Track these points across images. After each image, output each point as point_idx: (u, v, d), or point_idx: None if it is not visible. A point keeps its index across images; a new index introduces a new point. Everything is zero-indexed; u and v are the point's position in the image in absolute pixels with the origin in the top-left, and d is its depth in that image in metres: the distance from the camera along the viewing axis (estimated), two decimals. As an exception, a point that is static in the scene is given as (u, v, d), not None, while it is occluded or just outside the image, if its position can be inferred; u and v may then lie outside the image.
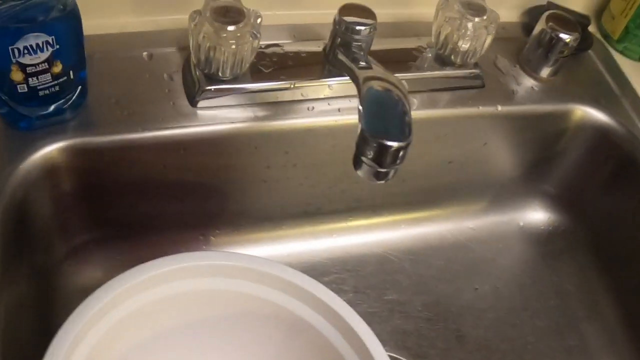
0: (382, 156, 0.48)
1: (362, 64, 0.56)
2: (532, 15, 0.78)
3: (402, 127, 0.48)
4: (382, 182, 0.50)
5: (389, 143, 0.47)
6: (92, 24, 0.59)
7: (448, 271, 0.77)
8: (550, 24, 0.71)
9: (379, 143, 0.47)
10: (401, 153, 0.48)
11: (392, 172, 0.49)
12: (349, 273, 0.75)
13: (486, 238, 0.81)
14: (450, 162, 0.75)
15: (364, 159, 0.48)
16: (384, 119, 0.49)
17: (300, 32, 0.69)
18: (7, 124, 0.58)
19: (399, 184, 0.74)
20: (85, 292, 0.49)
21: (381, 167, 0.48)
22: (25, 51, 0.52)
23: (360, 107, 0.49)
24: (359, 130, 0.48)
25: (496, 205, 0.82)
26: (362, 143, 0.48)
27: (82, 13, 0.54)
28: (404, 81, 0.54)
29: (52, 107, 0.58)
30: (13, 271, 0.57)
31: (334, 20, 0.61)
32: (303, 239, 0.75)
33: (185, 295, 0.54)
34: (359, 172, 0.50)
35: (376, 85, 0.50)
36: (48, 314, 0.63)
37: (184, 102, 0.62)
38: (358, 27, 0.60)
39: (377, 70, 0.53)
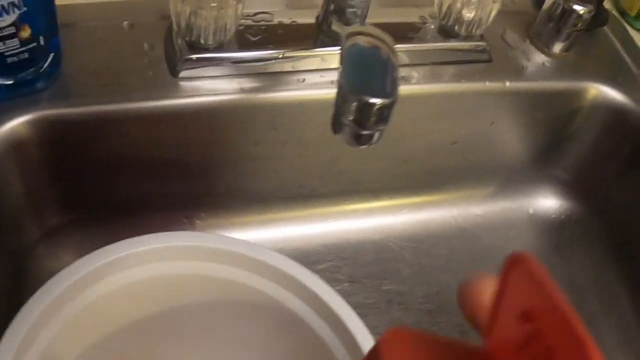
0: (365, 115, 0.44)
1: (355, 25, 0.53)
2: (543, -12, 0.74)
3: (386, 84, 0.44)
4: (365, 146, 0.46)
5: (372, 100, 0.43)
6: (73, -7, 0.56)
7: (452, 261, 0.74)
8: (563, -6, 0.67)
9: (361, 100, 0.43)
10: (385, 112, 0.44)
11: (376, 135, 0.45)
12: (345, 261, 0.71)
13: (494, 226, 0.77)
14: (455, 143, 0.71)
15: (344, 120, 0.45)
16: (367, 75, 0.45)
17: (293, 0, 0.66)
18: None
19: (400, 165, 0.71)
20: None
21: (363, 128, 0.44)
22: (-11, 13, 0.49)
23: (341, 63, 0.45)
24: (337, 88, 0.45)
25: (504, 191, 0.78)
26: (341, 102, 0.44)
27: (64, -19, 0.51)
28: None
29: (21, 76, 0.54)
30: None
31: (328, -15, 0.58)
32: (295, 223, 0.72)
33: (164, 279, 0.50)
34: (339, 136, 0.46)
35: (361, 40, 0.46)
36: (20, 302, 0.59)
37: (165, 72, 0.58)
38: (353, -9, 0.56)
39: (367, 27, 0.49)
